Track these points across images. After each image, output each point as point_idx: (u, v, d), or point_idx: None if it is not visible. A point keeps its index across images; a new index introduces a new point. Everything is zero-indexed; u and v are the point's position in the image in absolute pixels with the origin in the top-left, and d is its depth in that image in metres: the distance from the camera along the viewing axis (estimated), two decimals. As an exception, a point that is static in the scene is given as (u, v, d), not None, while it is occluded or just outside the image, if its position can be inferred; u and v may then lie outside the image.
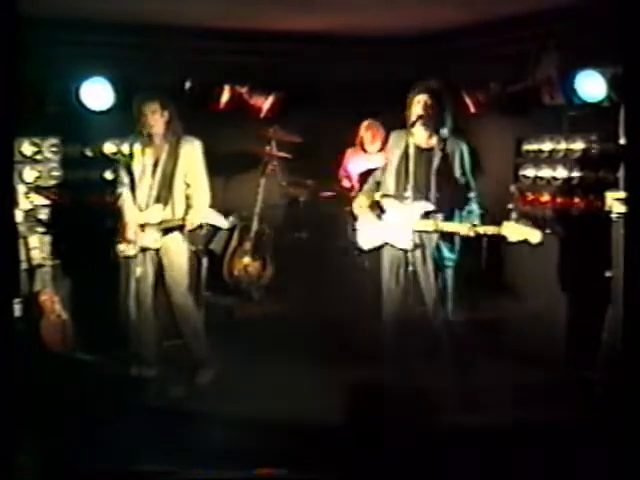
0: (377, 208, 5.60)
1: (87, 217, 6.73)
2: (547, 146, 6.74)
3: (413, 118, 5.37)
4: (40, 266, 6.33)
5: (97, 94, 6.56)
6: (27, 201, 6.41)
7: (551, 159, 6.69)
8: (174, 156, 5.81)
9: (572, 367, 5.83)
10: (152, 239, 5.81)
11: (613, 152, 6.07)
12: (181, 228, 5.80)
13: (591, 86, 6.05)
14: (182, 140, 5.85)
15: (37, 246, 6.33)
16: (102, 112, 6.64)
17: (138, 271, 5.77)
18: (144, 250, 5.81)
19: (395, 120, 7.58)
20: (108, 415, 4.14)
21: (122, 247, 5.80)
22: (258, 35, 7.10)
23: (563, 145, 6.61)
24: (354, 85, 7.63)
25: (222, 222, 5.89)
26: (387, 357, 5.56)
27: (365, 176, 7.58)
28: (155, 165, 5.83)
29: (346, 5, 6.13)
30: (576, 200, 6.35)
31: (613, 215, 5.62)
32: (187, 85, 7.28)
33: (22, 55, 3.68)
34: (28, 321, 6.05)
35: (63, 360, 5.85)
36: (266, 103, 7.99)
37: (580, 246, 6.13)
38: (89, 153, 7.12)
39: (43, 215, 6.59)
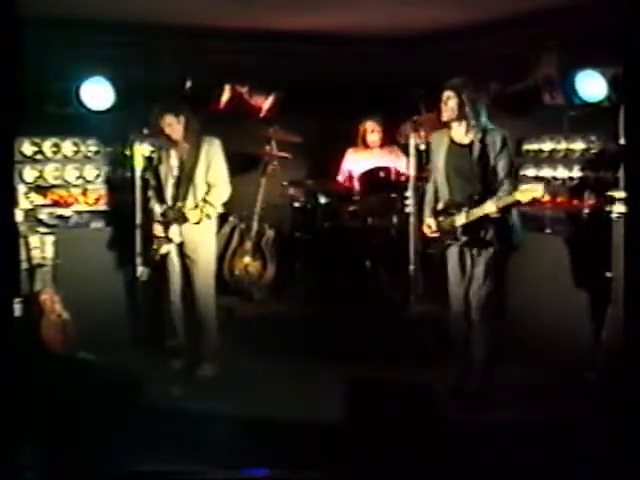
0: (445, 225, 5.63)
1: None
2: (547, 146, 6.72)
3: (442, 115, 5.50)
4: (40, 266, 6.32)
5: (97, 94, 6.55)
6: (27, 201, 6.40)
7: (551, 159, 6.68)
8: (195, 155, 6.18)
9: (572, 367, 5.83)
10: (176, 233, 6.19)
11: (613, 152, 6.06)
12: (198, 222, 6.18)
13: (591, 86, 6.04)
14: (203, 140, 6.23)
15: (37, 246, 6.32)
16: (102, 112, 6.63)
17: (169, 267, 6.27)
18: (175, 242, 6.23)
19: (394, 119, 7.64)
20: (108, 415, 4.13)
21: (156, 246, 6.22)
22: (258, 35, 7.08)
23: (563, 145, 6.60)
24: (354, 85, 7.63)
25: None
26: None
27: (365, 175, 7.61)
28: (180, 166, 6.22)
29: (346, 5, 6.13)
30: (576, 200, 6.35)
31: (613, 215, 5.62)
32: (187, 85, 7.28)
33: (22, 55, 3.68)
34: (28, 321, 6.05)
35: (63, 360, 5.85)
36: (266, 103, 7.98)
37: (580, 246, 6.13)
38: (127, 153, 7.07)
39: (44, 215, 6.60)
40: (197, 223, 6.17)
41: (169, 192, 6.24)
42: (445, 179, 5.57)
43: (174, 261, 6.28)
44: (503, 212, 5.36)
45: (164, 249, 6.24)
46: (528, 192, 5.22)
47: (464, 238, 5.49)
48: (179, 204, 6.18)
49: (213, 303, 6.35)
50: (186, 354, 6.33)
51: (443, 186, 5.60)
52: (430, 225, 5.67)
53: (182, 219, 6.16)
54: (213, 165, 6.21)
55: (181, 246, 6.27)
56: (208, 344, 6.29)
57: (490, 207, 5.32)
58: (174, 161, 6.24)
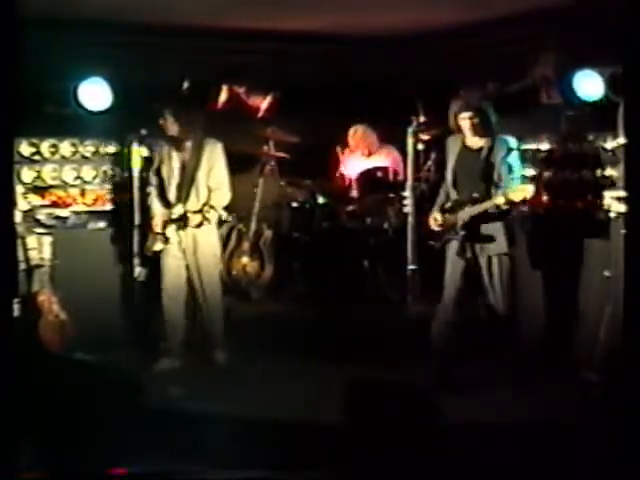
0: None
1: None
2: (545, 146, 6.72)
3: (463, 133, 5.87)
4: (38, 266, 6.31)
5: (95, 94, 6.54)
6: (25, 201, 6.40)
7: (550, 159, 6.68)
8: (197, 158, 6.25)
9: (572, 367, 5.83)
10: (176, 232, 6.27)
11: (612, 152, 6.06)
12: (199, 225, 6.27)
13: (589, 86, 6.05)
14: (205, 143, 6.28)
15: (35, 246, 6.32)
16: (100, 112, 6.62)
17: (169, 262, 6.33)
18: (173, 241, 6.31)
19: (392, 119, 7.64)
20: (108, 415, 4.13)
21: (150, 241, 6.30)
22: (257, 35, 7.09)
23: (561, 145, 6.60)
24: (352, 85, 7.63)
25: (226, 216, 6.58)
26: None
27: (363, 176, 7.61)
28: (181, 167, 6.28)
29: (345, 5, 6.14)
30: (576, 200, 6.35)
31: (613, 215, 5.63)
32: (185, 85, 7.27)
33: (21, 55, 3.68)
34: (26, 321, 6.04)
35: (62, 360, 5.84)
36: (264, 103, 7.99)
37: (580, 246, 6.14)
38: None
39: (41, 216, 6.59)
40: (198, 226, 6.25)
41: (172, 193, 6.32)
42: (453, 179, 5.96)
43: (169, 261, 6.34)
44: (500, 211, 5.72)
45: (157, 246, 6.30)
46: (519, 192, 5.59)
47: (462, 233, 5.80)
48: (181, 206, 6.24)
49: (219, 297, 6.50)
50: (177, 354, 6.40)
51: (451, 185, 5.97)
52: (436, 219, 5.98)
53: (184, 220, 6.23)
54: (215, 169, 6.29)
55: (178, 246, 6.33)
56: (218, 334, 6.47)
57: (486, 205, 5.69)
58: (176, 163, 6.30)
